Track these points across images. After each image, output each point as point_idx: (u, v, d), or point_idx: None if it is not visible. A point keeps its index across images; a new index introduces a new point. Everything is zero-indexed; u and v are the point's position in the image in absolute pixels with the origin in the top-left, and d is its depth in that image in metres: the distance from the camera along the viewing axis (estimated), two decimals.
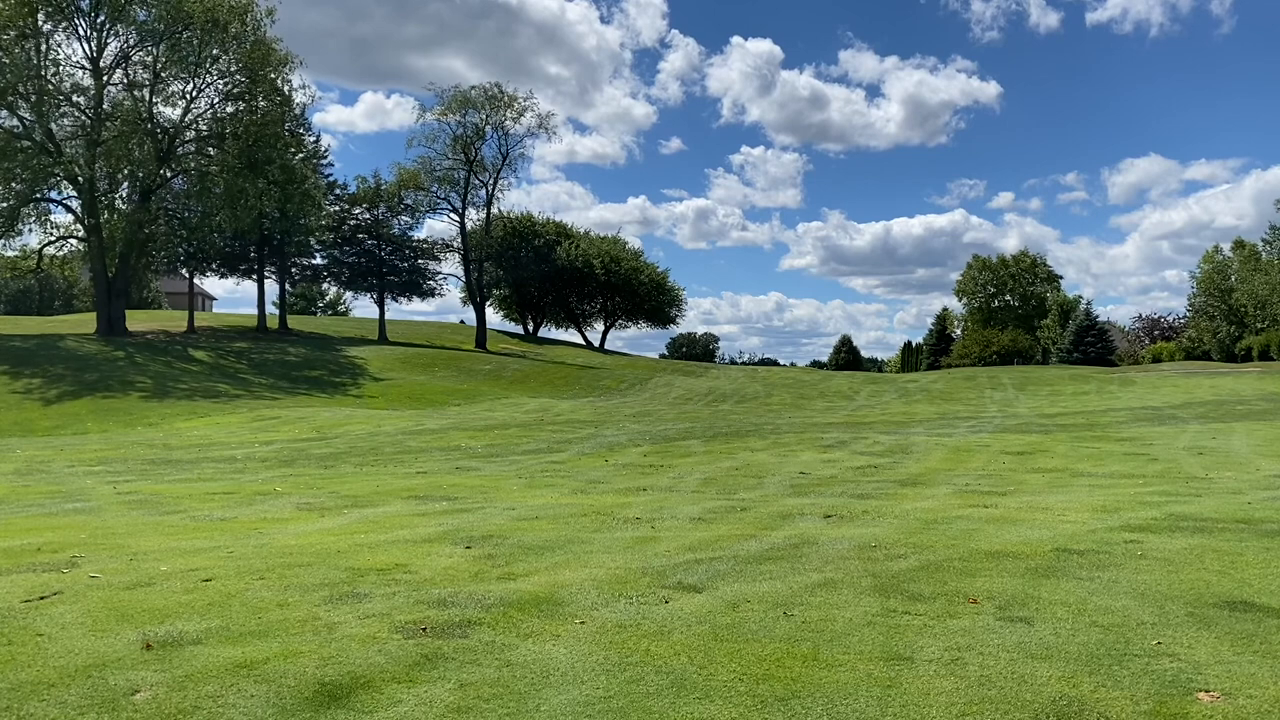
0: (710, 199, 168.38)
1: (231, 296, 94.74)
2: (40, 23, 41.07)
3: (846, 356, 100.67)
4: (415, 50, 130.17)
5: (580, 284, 68.97)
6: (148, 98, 43.56)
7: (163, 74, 43.49)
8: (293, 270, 59.52)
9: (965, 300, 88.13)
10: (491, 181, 57.10)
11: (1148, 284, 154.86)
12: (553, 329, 75.25)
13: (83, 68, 43.06)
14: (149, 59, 43.50)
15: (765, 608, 4.54)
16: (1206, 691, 3.37)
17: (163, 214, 46.50)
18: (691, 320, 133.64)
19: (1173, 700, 3.30)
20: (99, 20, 42.45)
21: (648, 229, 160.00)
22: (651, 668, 3.66)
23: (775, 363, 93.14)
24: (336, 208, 56.83)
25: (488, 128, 55.24)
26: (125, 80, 43.65)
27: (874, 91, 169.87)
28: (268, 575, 5.35)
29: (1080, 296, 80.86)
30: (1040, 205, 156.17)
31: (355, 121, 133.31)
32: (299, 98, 48.40)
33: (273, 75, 45.01)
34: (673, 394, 38.49)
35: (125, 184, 45.20)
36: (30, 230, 47.22)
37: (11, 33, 40.00)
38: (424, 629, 4.22)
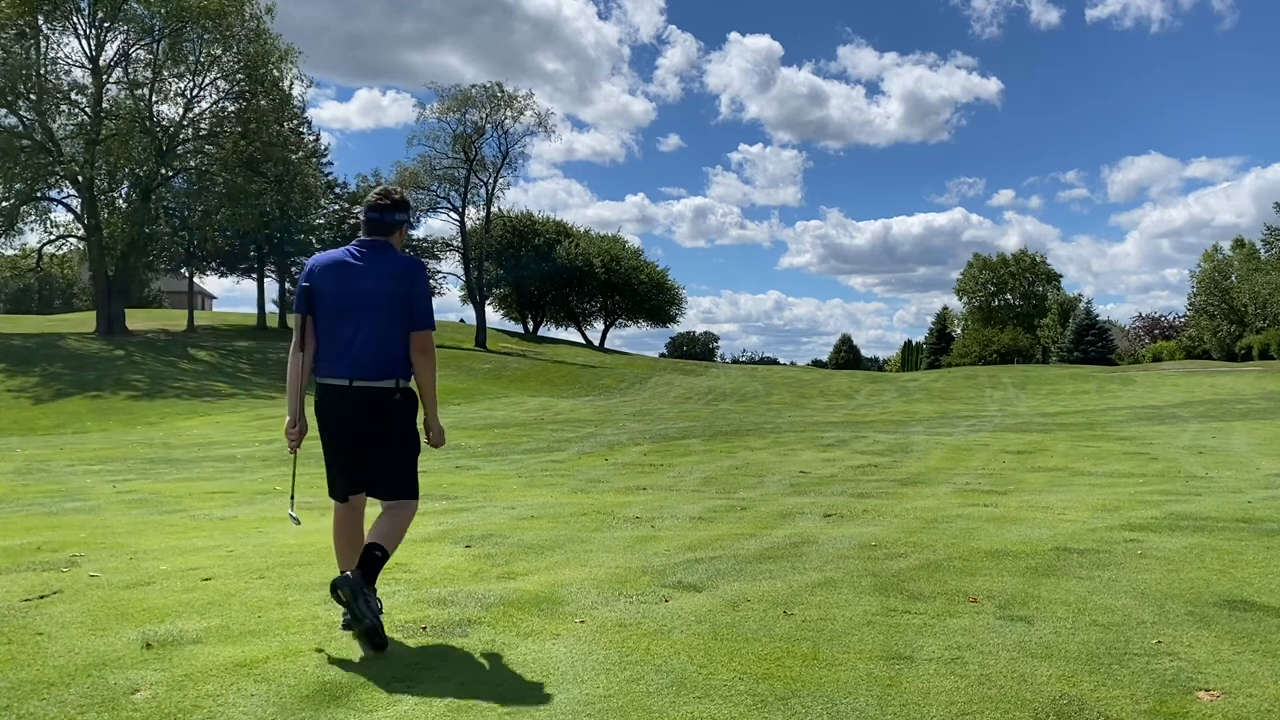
0: (709, 197, 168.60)
1: (230, 295, 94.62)
2: (39, 22, 41.04)
3: (846, 355, 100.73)
4: (411, 46, 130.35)
5: (580, 283, 68.92)
6: (148, 96, 43.52)
7: (163, 72, 43.45)
8: (293, 269, 59.46)
9: (965, 299, 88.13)
10: (491, 180, 57.09)
11: (1148, 282, 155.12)
12: (552, 328, 75.25)
13: (82, 66, 43.05)
14: (149, 57, 43.47)
15: (765, 607, 4.54)
16: (1206, 690, 3.37)
17: (163, 213, 46.45)
18: (691, 319, 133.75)
19: (1173, 699, 3.30)
20: (98, 18, 42.43)
21: (646, 227, 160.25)
22: (651, 667, 3.66)
23: (775, 361, 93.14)
24: (336, 206, 56.81)
25: (488, 126, 55.24)
26: (125, 79, 43.64)
27: (873, 88, 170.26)
28: (268, 574, 5.35)
29: (1080, 295, 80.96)
30: (1040, 203, 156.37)
31: (350, 118, 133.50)
32: (297, 89, 48.34)
33: (275, 72, 44.95)
34: (673, 393, 38.50)
35: (125, 183, 45.19)
36: (30, 229, 47.23)
37: (10, 31, 39.97)
38: (424, 628, 4.22)
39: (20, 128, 41.43)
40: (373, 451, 4.11)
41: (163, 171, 44.45)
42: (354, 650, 3.90)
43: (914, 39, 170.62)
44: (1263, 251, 64.45)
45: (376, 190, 4.25)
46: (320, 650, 3.90)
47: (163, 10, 41.27)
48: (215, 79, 44.98)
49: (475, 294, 57.76)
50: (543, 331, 72.39)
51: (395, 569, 5.44)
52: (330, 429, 4.13)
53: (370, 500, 4.35)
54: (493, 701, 3.33)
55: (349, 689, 3.46)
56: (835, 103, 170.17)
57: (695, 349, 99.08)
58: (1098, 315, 69.19)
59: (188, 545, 6.56)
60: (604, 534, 6.73)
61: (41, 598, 4.83)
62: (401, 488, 4.17)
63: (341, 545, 4.29)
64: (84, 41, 42.84)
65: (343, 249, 4.16)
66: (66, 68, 42.74)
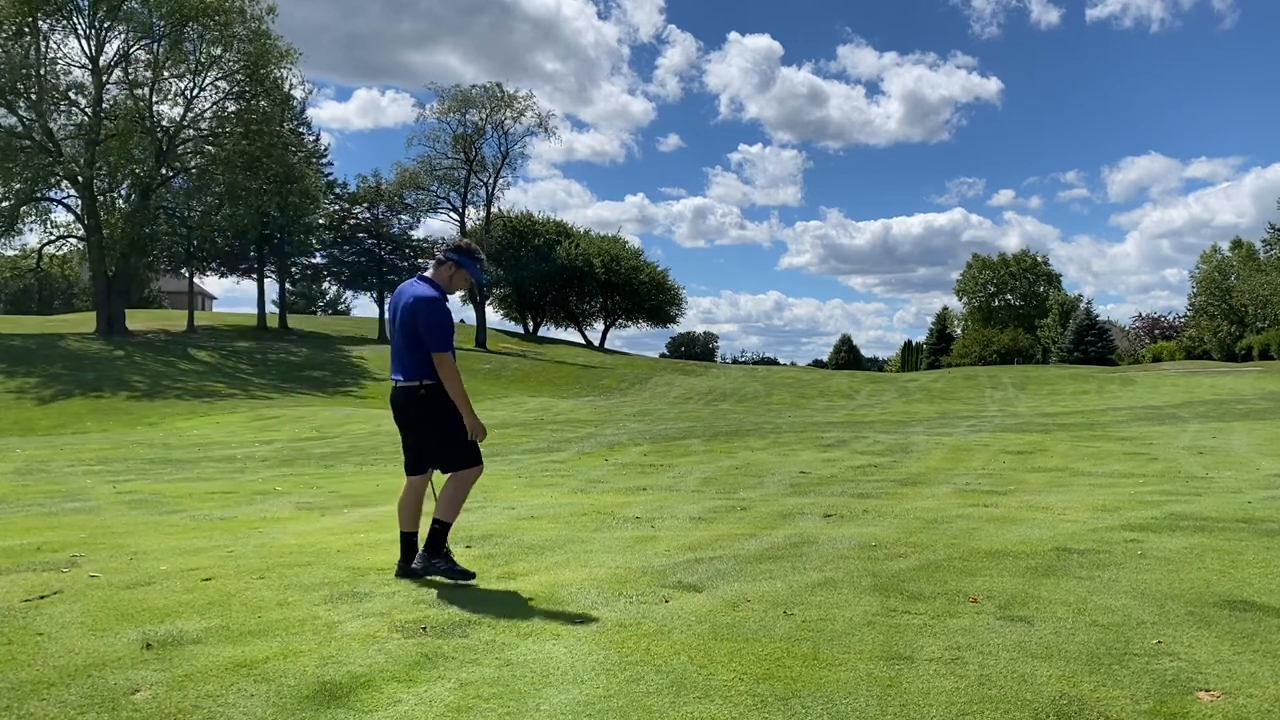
0: (709, 197, 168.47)
1: (230, 295, 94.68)
2: (39, 22, 41.01)
3: (846, 356, 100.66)
4: (410, 46, 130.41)
5: (580, 283, 68.89)
6: (148, 96, 43.50)
7: (164, 72, 43.42)
8: (293, 269, 59.54)
9: (965, 299, 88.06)
10: (491, 180, 57.11)
11: (1148, 283, 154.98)
12: (553, 328, 75.22)
13: (82, 66, 43.04)
14: (149, 57, 43.44)
15: (765, 607, 4.54)
16: (1207, 690, 3.37)
17: (163, 213, 46.42)
18: (691, 319, 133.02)
19: (1173, 699, 3.30)
20: (97, 18, 42.39)
21: (646, 227, 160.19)
22: (651, 667, 3.66)
23: (775, 362, 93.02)
24: (336, 207, 56.77)
25: (488, 126, 55.21)
26: (125, 79, 43.62)
27: (873, 88, 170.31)
28: (268, 574, 5.35)
29: (1080, 295, 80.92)
30: (1040, 203, 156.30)
31: (350, 118, 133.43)
32: (298, 93, 48.34)
33: (275, 72, 44.90)
34: (673, 393, 38.51)
35: (125, 183, 45.17)
36: (30, 229, 47.23)
37: (10, 30, 39.93)
38: (424, 628, 4.22)
39: (20, 128, 41.41)
40: (421, 437, 5.14)
41: (163, 171, 44.44)
42: (354, 650, 3.90)
43: (914, 39, 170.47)
44: (1262, 251, 64.45)
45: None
46: (320, 650, 3.90)
47: (163, 9, 41.25)
48: (215, 79, 44.99)
49: (475, 294, 57.71)
50: (543, 332, 72.38)
51: (395, 568, 5.45)
52: (394, 418, 5.26)
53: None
54: (493, 701, 3.33)
55: (349, 689, 3.46)
56: (835, 103, 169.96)
57: (695, 349, 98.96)
58: (1098, 315, 69.24)
59: (188, 545, 6.56)
60: (604, 534, 6.73)
61: (41, 598, 4.83)
62: (452, 462, 5.11)
63: (403, 510, 5.30)
64: (84, 41, 42.87)
65: (416, 277, 5.27)
66: (66, 68, 42.78)
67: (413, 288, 5.11)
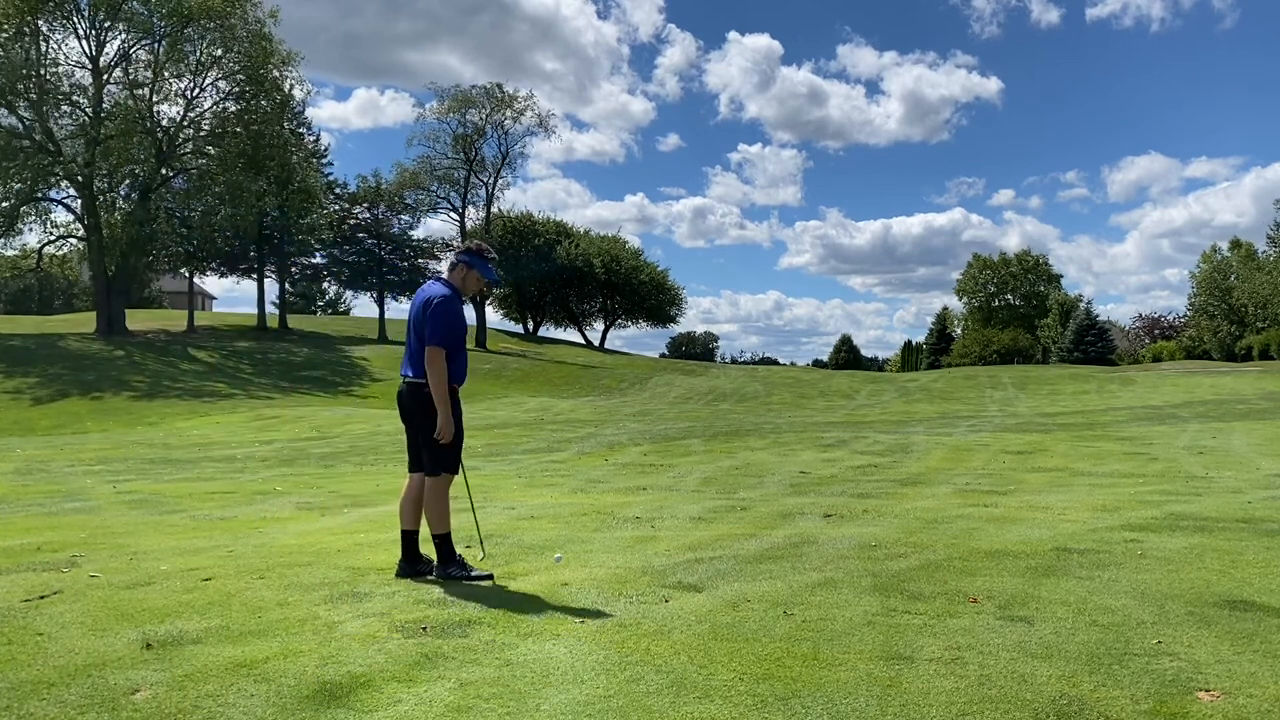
0: (709, 197, 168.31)
1: (230, 295, 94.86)
2: (39, 23, 40.98)
3: (846, 356, 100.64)
4: (408, 46, 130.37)
5: (580, 283, 68.88)
6: (148, 96, 43.47)
7: (164, 73, 43.39)
8: (293, 269, 59.49)
9: (965, 299, 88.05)
10: (491, 180, 57.11)
11: (1148, 282, 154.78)
12: (552, 328, 75.22)
13: (82, 67, 43.01)
14: (149, 57, 43.41)
15: (765, 607, 4.54)
16: (1207, 690, 3.38)
17: (163, 213, 46.39)
18: (691, 319, 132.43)
19: (1173, 699, 3.30)
20: (98, 18, 42.36)
21: (646, 227, 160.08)
22: (651, 667, 3.66)
23: (775, 362, 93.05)
24: (336, 207, 56.74)
25: (488, 127, 55.20)
26: (125, 79, 43.58)
27: (873, 88, 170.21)
28: (268, 574, 5.35)
29: (1080, 295, 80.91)
30: (1040, 203, 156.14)
31: (349, 118, 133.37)
32: (297, 93, 48.30)
33: (275, 74, 44.85)
34: (673, 393, 38.51)
35: (125, 183, 45.13)
36: (30, 229, 47.18)
37: (9, 30, 39.91)
38: (424, 628, 4.22)
39: (20, 128, 41.38)
40: (421, 434, 5.23)
41: (163, 171, 44.41)
42: (354, 650, 3.90)
43: (914, 38, 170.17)
44: (1265, 248, 64.47)
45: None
46: (320, 650, 3.90)
47: (163, 9, 41.22)
48: (216, 79, 44.96)
49: (479, 293, 57.68)
50: (543, 332, 72.38)
51: (396, 568, 5.45)
52: (400, 414, 5.43)
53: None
54: (493, 701, 3.33)
55: (349, 689, 3.46)
56: (835, 102, 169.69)
57: (695, 349, 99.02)
58: (1098, 315, 69.25)
59: (188, 545, 6.56)
60: (604, 534, 6.74)
61: (41, 598, 4.83)
62: (434, 463, 5.22)
63: (405, 508, 5.39)
64: (84, 42, 42.83)
65: (434, 278, 5.46)
66: (67, 69, 42.75)
67: (430, 288, 5.31)
